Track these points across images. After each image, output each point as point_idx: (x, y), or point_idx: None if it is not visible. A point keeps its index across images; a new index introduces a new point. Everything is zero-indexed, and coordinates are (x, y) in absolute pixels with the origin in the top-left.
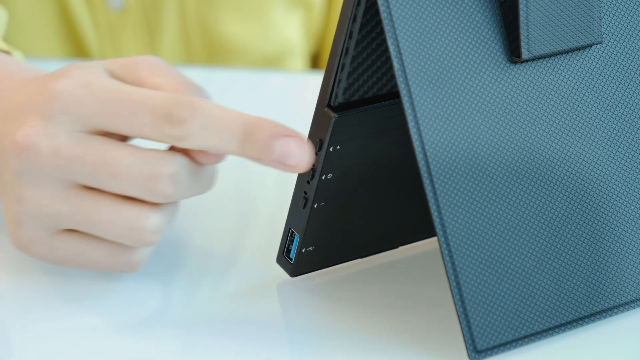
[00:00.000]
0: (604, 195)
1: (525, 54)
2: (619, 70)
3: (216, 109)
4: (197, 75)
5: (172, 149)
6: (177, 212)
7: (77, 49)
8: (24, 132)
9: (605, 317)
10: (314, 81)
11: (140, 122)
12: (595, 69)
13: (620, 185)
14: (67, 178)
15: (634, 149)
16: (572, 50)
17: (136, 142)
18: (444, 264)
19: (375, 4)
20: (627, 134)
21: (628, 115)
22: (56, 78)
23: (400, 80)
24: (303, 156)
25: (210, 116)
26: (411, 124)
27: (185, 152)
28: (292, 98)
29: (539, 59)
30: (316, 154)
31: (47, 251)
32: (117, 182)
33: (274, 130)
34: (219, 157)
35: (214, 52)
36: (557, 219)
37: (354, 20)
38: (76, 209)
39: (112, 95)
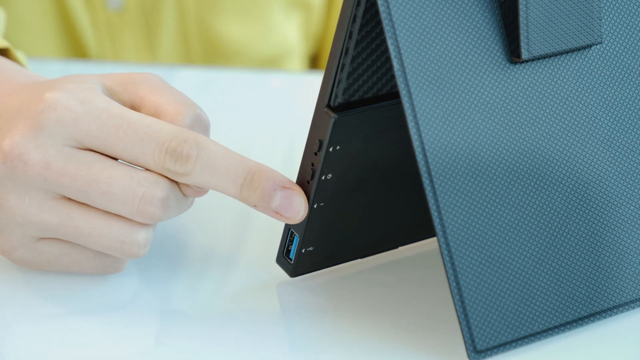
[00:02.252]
0: (604, 195)
1: (525, 54)
2: (619, 70)
3: (221, 150)
4: (197, 75)
5: None
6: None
7: (76, 48)
8: (12, 139)
9: (605, 317)
10: (314, 81)
11: (141, 153)
12: (595, 69)
13: (619, 185)
14: (55, 190)
15: (634, 149)
16: (572, 51)
17: None
18: (444, 264)
19: (375, 4)
20: (627, 134)
21: (628, 115)
22: (51, 88)
23: (400, 80)
24: (300, 209)
25: (215, 158)
26: (411, 124)
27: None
28: (292, 98)
29: (538, 59)
30: (316, 154)
31: (30, 256)
32: (109, 201)
33: (277, 180)
34: (203, 192)
35: (212, 52)
36: (557, 219)
37: (354, 20)
38: (65, 220)
39: (113, 119)
